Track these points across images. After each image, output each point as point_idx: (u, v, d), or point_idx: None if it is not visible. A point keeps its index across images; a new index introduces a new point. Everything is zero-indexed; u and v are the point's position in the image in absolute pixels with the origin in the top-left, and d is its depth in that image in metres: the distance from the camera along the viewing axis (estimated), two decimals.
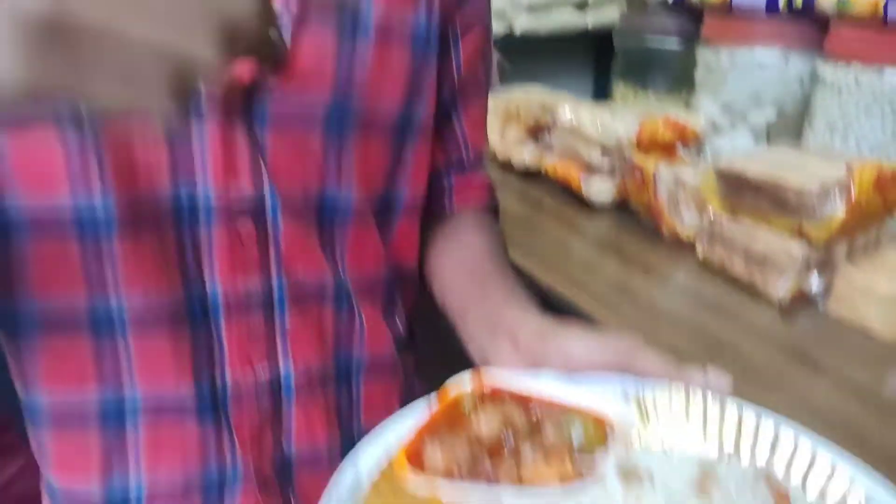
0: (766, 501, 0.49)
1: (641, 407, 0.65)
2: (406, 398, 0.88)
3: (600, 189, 1.46)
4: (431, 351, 0.97)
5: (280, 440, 0.79)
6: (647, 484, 0.49)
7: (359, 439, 0.83)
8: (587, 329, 0.71)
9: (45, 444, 0.77)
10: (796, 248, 1.09)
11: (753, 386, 0.89)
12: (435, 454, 0.55)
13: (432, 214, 0.96)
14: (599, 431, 0.57)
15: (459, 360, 0.75)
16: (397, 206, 0.85)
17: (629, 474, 0.50)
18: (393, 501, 0.55)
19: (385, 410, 0.85)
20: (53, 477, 0.78)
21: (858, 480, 0.54)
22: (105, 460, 0.75)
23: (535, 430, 0.58)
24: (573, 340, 0.70)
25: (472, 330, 0.79)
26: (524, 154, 1.66)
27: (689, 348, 1.01)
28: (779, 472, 0.57)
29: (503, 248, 0.97)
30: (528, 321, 0.74)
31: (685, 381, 0.65)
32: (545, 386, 0.65)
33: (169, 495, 0.76)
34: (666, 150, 1.37)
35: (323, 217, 0.77)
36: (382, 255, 0.84)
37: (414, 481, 0.53)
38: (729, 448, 0.60)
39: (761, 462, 0.59)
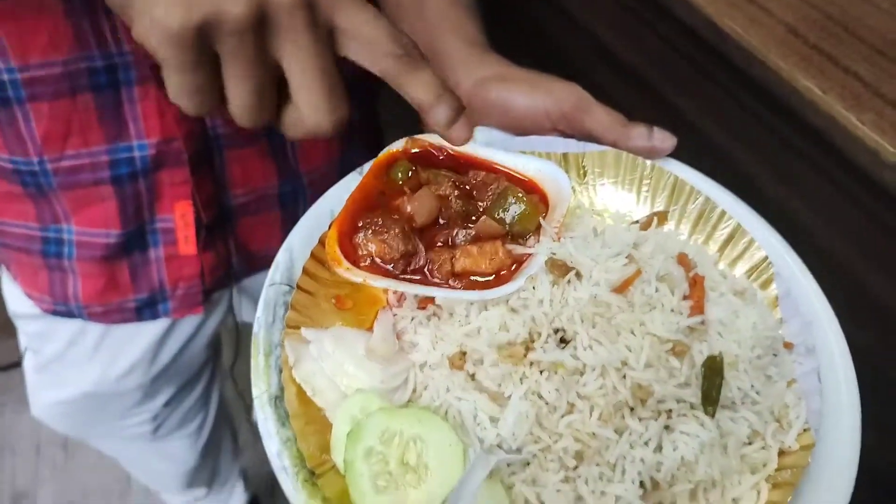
0: (682, 288, 0.52)
1: (580, 170, 0.64)
2: None
3: None
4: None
5: None
6: (574, 279, 0.51)
7: None
8: (533, 81, 0.65)
9: None
10: None
11: None
12: (367, 244, 0.54)
13: None
14: (534, 207, 0.57)
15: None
16: None
17: (559, 268, 0.51)
18: (326, 279, 0.56)
19: None
20: None
21: (776, 259, 0.58)
22: None
23: (469, 210, 0.57)
24: (517, 94, 0.64)
25: None
26: None
27: None
28: (699, 240, 0.60)
29: None
30: (469, 64, 0.67)
31: (630, 139, 0.63)
32: (482, 152, 0.62)
33: (50, 82, 0.69)
34: None
35: None
36: None
37: (345, 272, 0.53)
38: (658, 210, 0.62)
39: (684, 233, 0.61)
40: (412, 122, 0.56)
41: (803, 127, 0.69)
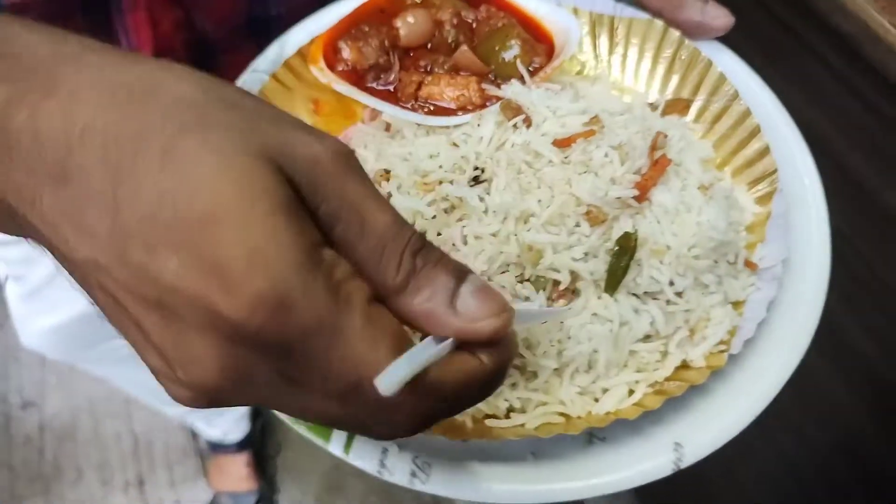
0: (638, 163, 0.46)
1: (613, 37, 0.57)
2: None
3: None
4: None
5: None
6: (521, 125, 0.47)
7: None
8: None
9: None
10: None
11: None
12: (344, 49, 0.54)
13: None
14: (527, 53, 0.52)
15: None
16: None
17: (512, 110, 0.48)
18: (308, 80, 0.56)
19: None
20: None
21: (793, 179, 0.50)
22: None
23: (460, 42, 0.54)
24: None
25: None
26: None
27: None
28: (713, 141, 0.53)
29: None
30: None
31: (680, 8, 0.55)
32: None
33: (36, 7, 0.61)
34: None
35: None
36: None
37: (317, 71, 0.53)
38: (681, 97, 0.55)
39: (698, 129, 0.53)
40: None
41: (829, 34, 0.57)
